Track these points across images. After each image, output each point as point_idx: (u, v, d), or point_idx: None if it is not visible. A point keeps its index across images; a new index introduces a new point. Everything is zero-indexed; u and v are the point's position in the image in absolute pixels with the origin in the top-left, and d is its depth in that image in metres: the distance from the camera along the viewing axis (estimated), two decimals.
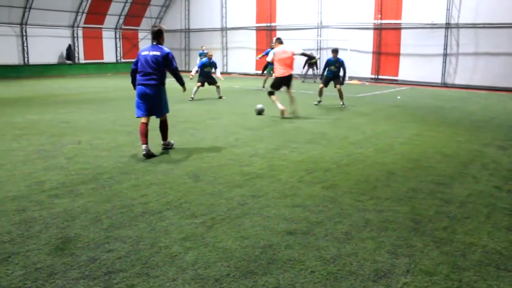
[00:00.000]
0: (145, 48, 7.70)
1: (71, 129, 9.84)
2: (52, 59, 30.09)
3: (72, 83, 23.44)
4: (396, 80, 24.92)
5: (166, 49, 7.61)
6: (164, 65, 7.50)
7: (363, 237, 4.29)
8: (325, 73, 14.96)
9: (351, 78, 25.22)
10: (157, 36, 7.74)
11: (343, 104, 14.29)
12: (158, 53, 7.48)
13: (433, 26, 23.27)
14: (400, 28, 24.66)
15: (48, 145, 8.25)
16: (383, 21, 25.17)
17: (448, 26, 22.86)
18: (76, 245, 4.06)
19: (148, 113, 7.59)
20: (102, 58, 33.43)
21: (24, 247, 4.02)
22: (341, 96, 14.34)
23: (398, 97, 17.58)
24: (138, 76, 7.57)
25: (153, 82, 7.44)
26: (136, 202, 5.17)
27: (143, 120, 7.56)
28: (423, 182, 6.15)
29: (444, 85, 23.12)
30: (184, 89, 8.31)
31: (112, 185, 5.84)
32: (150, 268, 3.64)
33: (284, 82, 11.83)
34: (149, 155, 7.32)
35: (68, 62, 30.89)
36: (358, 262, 3.79)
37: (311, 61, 25.42)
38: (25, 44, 28.40)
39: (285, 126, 10.42)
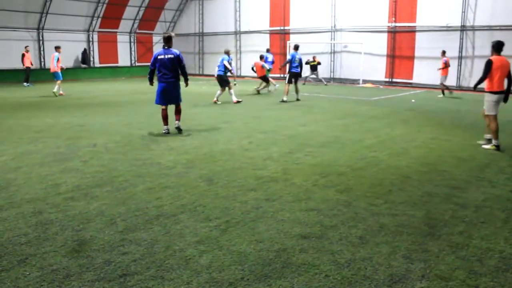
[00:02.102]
0: (160, 52, 9.68)
1: (86, 132, 9.94)
2: (68, 63, 30.35)
3: (87, 86, 23.69)
4: (410, 83, 24.74)
5: (177, 51, 9.65)
6: (177, 64, 9.57)
7: (377, 241, 4.27)
8: (292, 70, 16.60)
9: (365, 81, 25.14)
10: (168, 41, 9.70)
11: (299, 99, 16.49)
12: (171, 56, 9.53)
13: (448, 29, 23.09)
14: (414, 31, 24.52)
15: (64, 148, 8.34)
16: (397, 24, 25.04)
17: (463, 28, 22.66)
18: (92, 247, 4.09)
19: (167, 102, 9.87)
20: (117, 62, 33.72)
21: (40, 249, 4.06)
22: (298, 91, 16.69)
23: (413, 101, 17.45)
24: (158, 75, 9.69)
25: (171, 80, 9.65)
26: (151, 205, 5.20)
27: (163, 107, 9.90)
28: (439, 186, 6.10)
29: (460, 88, 22.90)
30: (187, 85, 10.28)
31: (127, 188, 5.88)
32: (165, 271, 3.65)
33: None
34: (168, 132, 9.80)
35: (84, 66, 31.21)
36: (373, 266, 3.77)
37: (312, 63, 25.46)
38: (41, 49, 28.77)
39: (299, 130, 10.41)
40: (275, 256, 3.92)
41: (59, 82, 18.41)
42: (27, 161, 7.34)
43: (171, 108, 9.99)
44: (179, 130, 9.99)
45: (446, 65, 19.05)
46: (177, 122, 9.96)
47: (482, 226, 4.67)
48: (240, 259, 3.86)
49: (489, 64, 8.54)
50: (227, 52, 16.66)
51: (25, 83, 23.62)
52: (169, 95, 9.74)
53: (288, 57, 17.88)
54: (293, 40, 28.86)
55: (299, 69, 16.81)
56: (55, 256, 3.93)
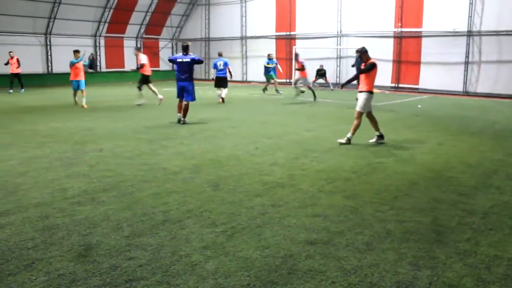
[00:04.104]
0: (180, 56, 12.22)
1: (93, 137, 9.97)
2: None
3: (94, 91, 23.73)
4: (416, 89, 24.67)
5: (192, 55, 12.19)
6: (193, 65, 12.05)
7: (384, 248, 4.25)
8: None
9: None
10: (186, 49, 12.19)
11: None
12: (188, 59, 12.00)
13: (455, 34, 23.02)
14: (421, 36, 24.46)
15: (70, 152, 8.37)
16: (404, 29, 25.00)
17: (470, 34, 22.59)
18: (98, 252, 4.10)
19: (182, 98, 12.17)
20: (123, 67, 33.84)
21: (47, 253, 4.08)
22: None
23: (419, 106, 17.40)
24: (177, 75, 12.14)
25: (186, 80, 12.04)
26: (157, 210, 5.20)
27: (180, 101, 12.29)
28: (446, 192, 6.07)
29: (466, 93, 22.82)
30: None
31: (133, 192, 5.89)
32: (171, 277, 3.65)
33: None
34: (180, 121, 12.09)
35: (90, 70, 31.32)
36: (379, 273, 3.75)
37: (320, 72, 25.78)
38: (49, 53, 28.95)
39: (304, 135, 10.40)
40: (281, 262, 3.91)
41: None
42: (34, 165, 7.37)
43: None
44: (180, 121, 12.12)
45: (303, 67, 18.38)
46: (179, 114, 12.22)
47: (489, 233, 4.64)
48: (246, 265, 3.85)
49: (374, 66, 9.36)
50: (220, 54, 18.89)
51: (10, 90, 22.53)
52: (183, 92, 12.04)
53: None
54: (299, 45, 28.91)
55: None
56: (62, 260, 3.93)
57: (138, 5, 32.21)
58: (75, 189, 6.03)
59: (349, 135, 9.39)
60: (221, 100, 17.76)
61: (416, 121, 13.25)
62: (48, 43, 28.79)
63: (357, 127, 9.41)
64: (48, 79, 28.09)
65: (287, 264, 3.88)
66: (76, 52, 16.74)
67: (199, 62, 12.21)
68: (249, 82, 31.31)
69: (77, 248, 4.18)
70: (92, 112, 14.60)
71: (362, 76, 9.48)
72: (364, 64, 9.48)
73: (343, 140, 9.36)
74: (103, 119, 13.04)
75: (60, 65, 29.06)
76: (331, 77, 26.91)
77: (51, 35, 28.83)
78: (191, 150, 8.57)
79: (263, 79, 25.15)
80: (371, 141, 9.57)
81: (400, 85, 25.38)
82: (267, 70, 22.61)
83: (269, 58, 22.62)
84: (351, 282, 3.60)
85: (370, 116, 9.60)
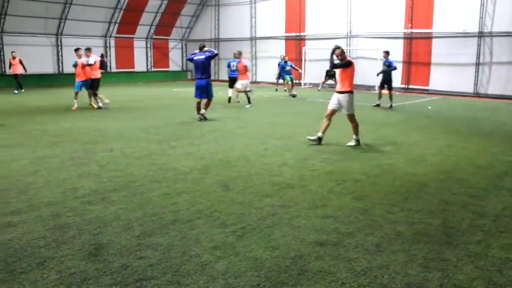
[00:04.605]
0: (197, 53, 12.72)
1: (103, 137, 10.04)
2: None
3: (104, 91, 23.77)
4: (427, 90, 24.56)
5: (207, 53, 12.57)
6: (209, 62, 12.50)
7: (394, 249, 4.23)
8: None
9: None
10: (202, 49, 12.71)
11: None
12: (203, 56, 12.48)
13: (466, 35, 22.88)
14: (431, 37, 24.34)
15: (81, 152, 8.43)
16: (414, 30, 24.89)
17: (481, 34, 22.44)
18: (109, 251, 4.13)
19: (200, 96, 12.68)
20: (133, 67, 34.04)
21: (58, 252, 4.11)
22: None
23: (429, 107, 17.32)
24: (195, 74, 12.79)
25: (203, 79, 12.56)
26: (167, 210, 5.23)
27: (198, 100, 12.78)
28: (456, 194, 6.03)
29: (477, 95, 22.67)
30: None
31: (143, 193, 5.92)
32: (181, 276, 3.67)
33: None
34: (201, 119, 12.52)
35: (101, 71, 31.48)
36: (390, 275, 3.74)
37: (330, 73, 25.66)
38: (59, 54, 29.19)
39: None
40: (291, 263, 3.91)
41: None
42: (45, 165, 7.44)
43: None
44: (203, 116, 12.61)
45: (246, 69, 17.34)
46: (203, 110, 12.68)
47: (501, 236, 4.61)
48: (256, 266, 3.86)
49: (350, 63, 9.27)
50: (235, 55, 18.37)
51: (15, 90, 22.42)
52: (202, 90, 12.57)
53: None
54: (308, 46, 28.88)
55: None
56: (73, 259, 3.97)
57: (148, 6, 32.40)
58: (86, 189, 6.07)
59: (355, 137, 9.41)
60: (238, 100, 18.05)
61: (426, 122, 13.18)
62: (59, 43, 29.02)
63: (357, 126, 9.42)
64: (58, 79, 28.31)
65: (297, 265, 3.88)
66: (76, 50, 16.24)
67: (213, 55, 12.54)
68: (259, 83, 31.32)
69: (88, 247, 4.21)
70: (102, 112, 14.70)
71: (341, 76, 9.32)
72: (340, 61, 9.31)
73: (352, 143, 9.35)
74: (113, 119, 13.12)
75: (71, 65, 29.26)
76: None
77: (62, 36, 29.05)
78: (200, 151, 8.59)
79: (273, 80, 25.23)
80: (349, 144, 9.41)
81: (410, 86, 25.28)
82: (286, 72, 22.53)
83: (285, 61, 22.58)
84: (361, 284, 3.59)
85: (335, 114, 9.56)
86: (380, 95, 17.51)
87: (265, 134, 10.62)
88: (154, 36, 35.07)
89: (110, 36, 32.10)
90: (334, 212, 5.25)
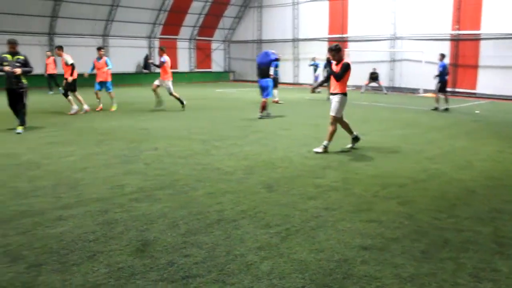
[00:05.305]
0: (260, 54, 14.02)
1: (148, 136, 10.25)
2: (131, 68, 31.55)
3: (149, 91, 24.33)
4: (474, 94, 23.84)
5: (272, 56, 13.52)
6: (268, 64, 13.44)
7: (442, 257, 4.13)
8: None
9: (426, 91, 24.44)
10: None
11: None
12: (264, 60, 13.51)
13: None
14: (479, 39, 23.61)
15: (127, 150, 8.63)
16: (461, 32, 24.21)
17: None
18: (155, 248, 4.21)
19: (262, 95, 13.72)
20: (177, 68, 34.59)
21: (107, 246, 4.23)
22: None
23: (477, 112, 16.78)
24: (258, 74, 13.87)
25: (262, 79, 13.63)
26: (212, 210, 5.28)
27: (262, 99, 13.72)
28: (508, 202, 5.82)
29: None
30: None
31: (188, 191, 6.01)
32: (226, 275, 3.70)
33: None
34: (261, 117, 13.40)
35: (145, 71, 32.26)
36: (437, 283, 3.65)
37: (374, 75, 25.35)
38: (106, 54, 29.96)
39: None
40: (336, 266, 3.88)
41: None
42: (93, 162, 7.66)
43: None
44: (263, 116, 13.61)
45: (160, 65, 15.70)
46: (262, 112, 13.66)
47: None
48: (301, 268, 3.85)
49: (348, 67, 8.62)
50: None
51: (50, 91, 22.26)
52: (262, 90, 13.75)
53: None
54: (351, 48, 28.58)
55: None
56: (121, 254, 4.07)
57: (192, 7, 32.89)
58: (133, 186, 6.21)
59: (325, 142, 8.69)
60: (277, 100, 18.15)
61: (474, 127, 12.79)
62: (106, 44, 29.83)
63: (334, 132, 8.71)
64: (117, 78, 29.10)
65: (341, 269, 3.85)
66: (99, 49, 15.83)
67: (275, 60, 13.52)
68: (301, 84, 31.22)
69: (135, 243, 4.31)
70: (146, 112, 15.01)
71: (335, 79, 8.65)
72: (337, 64, 8.63)
73: (320, 149, 8.64)
74: (157, 118, 13.38)
75: (116, 66, 30.03)
76: (384, 81, 26.44)
77: (109, 37, 29.86)
78: (243, 151, 8.64)
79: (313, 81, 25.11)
80: (347, 146, 9.02)
81: (457, 90, 24.58)
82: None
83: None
84: None
85: (341, 121, 8.92)
86: (438, 99, 17.05)
87: (308, 136, 10.56)
88: (197, 37, 35.55)
89: (155, 37, 32.76)
90: (379, 216, 5.17)
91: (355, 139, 9.07)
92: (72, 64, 13.83)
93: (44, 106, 16.27)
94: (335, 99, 8.72)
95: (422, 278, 3.72)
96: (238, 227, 4.74)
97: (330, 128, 8.73)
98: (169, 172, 7.00)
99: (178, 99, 15.75)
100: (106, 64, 15.46)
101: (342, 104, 8.74)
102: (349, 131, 9.04)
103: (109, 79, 15.67)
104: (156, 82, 15.83)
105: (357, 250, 4.22)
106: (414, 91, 25.59)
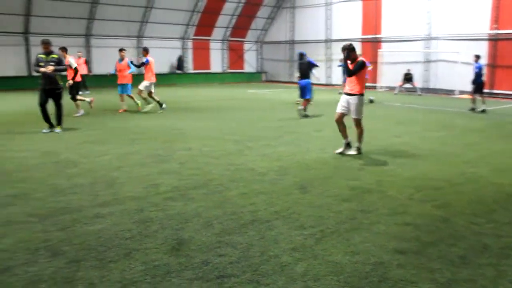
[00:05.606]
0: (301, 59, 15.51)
1: (181, 136, 10.37)
2: (164, 68, 31.98)
3: (182, 91, 24.70)
4: None
5: (308, 58, 14.75)
6: (309, 67, 14.36)
7: (481, 263, 4.03)
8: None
9: (461, 92, 23.87)
10: (301, 55, 15.72)
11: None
12: (304, 62, 14.58)
13: None
14: None
15: (161, 150, 8.75)
16: (500, 31, 23.54)
17: None
18: (190, 247, 4.26)
19: (303, 96, 14.36)
20: (209, 69, 34.91)
21: (143, 244, 4.30)
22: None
23: None
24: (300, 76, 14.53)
25: (304, 79, 14.27)
26: (245, 210, 5.30)
27: (303, 100, 14.36)
28: None
29: None
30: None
31: (222, 191, 6.05)
32: (261, 276, 3.71)
33: None
34: (301, 115, 13.81)
35: (178, 71, 32.68)
36: None
37: (408, 76, 24.93)
38: (140, 55, 30.49)
39: (392, 141, 10.11)
40: (371, 269, 3.84)
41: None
42: (128, 161, 7.81)
43: None
44: (303, 115, 13.94)
45: (140, 65, 15.52)
46: (302, 111, 13.99)
47: None
48: (336, 270, 3.82)
49: (364, 64, 8.48)
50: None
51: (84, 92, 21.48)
52: (303, 91, 14.27)
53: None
54: (385, 48, 28.20)
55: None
56: (157, 252, 4.13)
57: (225, 8, 33.08)
58: (167, 185, 6.30)
59: (357, 144, 8.62)
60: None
61: None
62: (140, 45, 30.32)
63: (362, 133, 8.61)
64: (139, 79, 29.55)
65: (377, 272, 3.80)
66: (120, 50, 15.29)
67: (314, 65, 14.46)
68: (333, 85, 30.99)
69: (171, 242, 4.37)
70: (180, 112, 15.17)
71: (351, 77, 8.48)
72: (352, 62, 8.49)
73: (353, 151, 8.58)
74: (190, 118, 13.51)
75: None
76: (418, 82, 25.98)
77: (143, 38, 30.35)
78: (276, 152, 8.64)
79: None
80: (337, 151, 8.70)
81: (494, 91, 23.91)
82: None
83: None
84: None
85: (340, 122, 8.73)
86: (475, 100, 16.71)
87: (341, 137, 10.43)
88: (230, 38, 35.74)
89: (188, 38, 33.12)
90: (414, 219, 5.09)
91: (348, 145, 8.69)
92: (75, 68, 13.17)
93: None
94: (354, 102, 8.46)
95: (460, 284, 3.64)
96: (272, 228, 4.74)
97: (357, 130, 8.62)
98: (203, 172, 7.06)
99: (145, 99, 15.30)
100: (129, 67, 15.08)
101: (362, 105, 8.60)
102: (345, 135, 8.76)
103: (130, 82, 15.30)
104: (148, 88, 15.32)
105: (393, 254, 4.16)
106: (449, 92, 25.03)
